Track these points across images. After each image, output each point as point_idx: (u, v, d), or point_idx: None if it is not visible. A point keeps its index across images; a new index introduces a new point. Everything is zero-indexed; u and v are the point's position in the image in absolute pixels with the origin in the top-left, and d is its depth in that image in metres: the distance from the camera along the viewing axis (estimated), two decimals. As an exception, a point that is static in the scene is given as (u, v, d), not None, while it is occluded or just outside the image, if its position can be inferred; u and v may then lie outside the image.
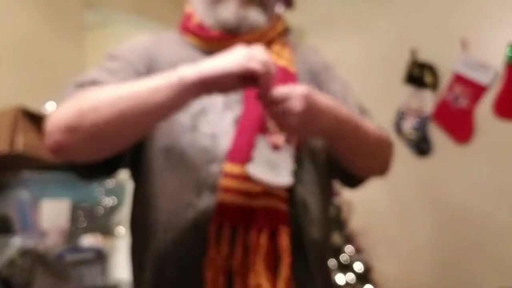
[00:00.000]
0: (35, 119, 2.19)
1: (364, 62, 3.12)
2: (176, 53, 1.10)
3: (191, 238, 0.96)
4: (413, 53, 3.02)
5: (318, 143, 1.09)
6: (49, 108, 2.43)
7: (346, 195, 3.01)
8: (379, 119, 1.14)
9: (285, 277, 0.93)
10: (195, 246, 0.95)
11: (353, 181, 1.16)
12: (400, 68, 3.06)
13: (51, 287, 1.93)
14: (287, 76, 1.08)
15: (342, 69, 1.12)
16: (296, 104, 0.89)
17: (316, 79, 1.13)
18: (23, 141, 2.12)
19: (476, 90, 2.83)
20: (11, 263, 1.87)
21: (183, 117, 1.02)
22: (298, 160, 1.03)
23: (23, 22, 2.64)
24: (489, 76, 2.79)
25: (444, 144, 2.94)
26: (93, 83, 0.99)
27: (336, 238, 2.80)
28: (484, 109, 2.80)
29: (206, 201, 0.96)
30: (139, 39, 1.15)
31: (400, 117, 3.05)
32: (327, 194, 1.12)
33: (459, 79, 2.88)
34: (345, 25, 3.25)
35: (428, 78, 2.99)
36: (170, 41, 1.14)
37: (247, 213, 0.95)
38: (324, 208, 1.08)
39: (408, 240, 3.00)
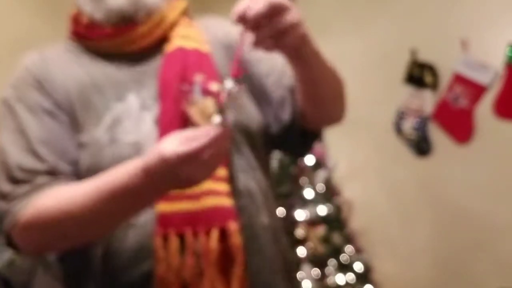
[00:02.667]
0: (35, 119, 2.18)
1: (364, 62, 3.12)
2: (69, 71, 0.97)
3: (137, 259, 0.88)
4: (413, 53, 3.02)
5: (254, 126, 1.01)
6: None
7: (346, 195, 3.01)
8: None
9: (238, 277, 0.88)
10: (143, 267, 0.87)
11: (305, 142, 1.08)
12: (400, 68, 3.06)
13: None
14: (201, 58, 0.97)
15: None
16: (294, 13, 0.82)
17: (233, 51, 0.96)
18: (23, 141, 2.11)
19: (476, 90, 2.83)
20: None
21: (99, 132, 0.92)
22: (236, 148, 0.96)
23: (23, 22, 2.64)
24: (489, 76, 2.79)
25: (444, 144, 2.94)
26: (34, 187, 0.89)
27: (336, 238, 2.80)
28: (484, 109, 2.80)
29: (146, 216, 0.88)
30: (23, 68, 1.01)
31: (400, 117, 3.05)
32: (267, 173, 1.04)
33: (459, 79, 2.88)
34: (344, 25, 3.25)
35: (428, 78, 2.98)
36: (59, 57, 1.01)
37: (193, 217, 0.88)
38: (267, 189, 1.02)
39: (408, 240, 3.00)
